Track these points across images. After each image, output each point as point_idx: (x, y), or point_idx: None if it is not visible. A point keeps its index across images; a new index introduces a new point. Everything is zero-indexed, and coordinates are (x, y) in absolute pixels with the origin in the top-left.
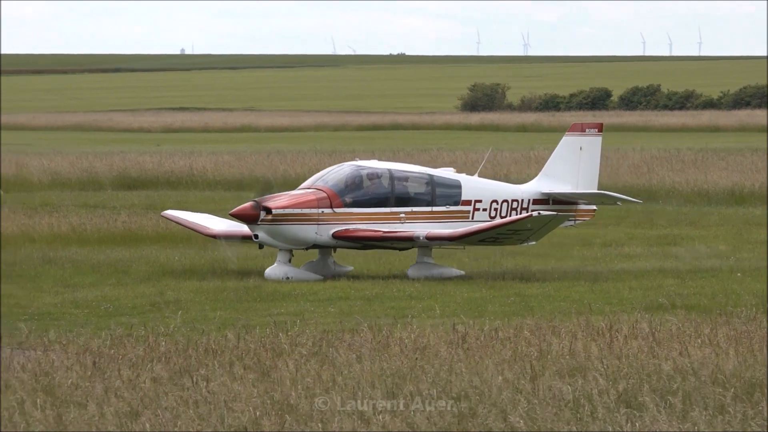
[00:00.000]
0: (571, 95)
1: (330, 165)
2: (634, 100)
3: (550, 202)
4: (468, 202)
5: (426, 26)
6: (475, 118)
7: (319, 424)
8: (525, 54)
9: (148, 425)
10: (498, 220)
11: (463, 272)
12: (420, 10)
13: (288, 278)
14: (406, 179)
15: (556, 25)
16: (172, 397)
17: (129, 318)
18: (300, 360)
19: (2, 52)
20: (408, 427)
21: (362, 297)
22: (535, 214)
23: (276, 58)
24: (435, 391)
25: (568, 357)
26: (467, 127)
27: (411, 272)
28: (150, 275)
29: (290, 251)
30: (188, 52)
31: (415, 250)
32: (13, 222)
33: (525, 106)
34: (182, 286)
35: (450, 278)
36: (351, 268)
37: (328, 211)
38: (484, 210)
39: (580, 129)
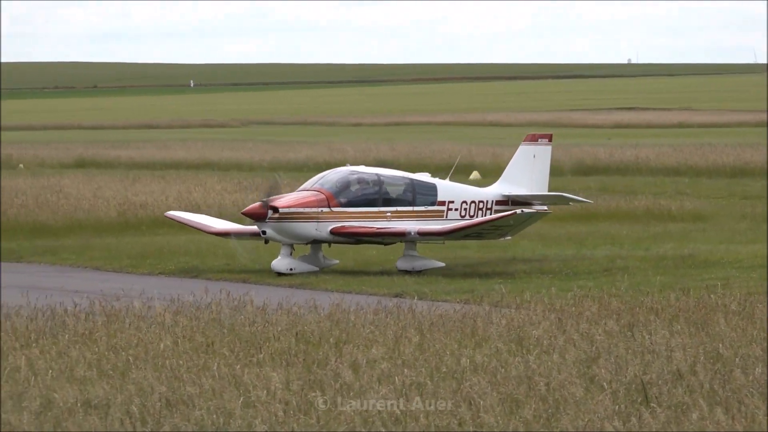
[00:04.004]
0: None
1: (744, 155)
2: None
3: (510, 203)
4: (443, 203)
5: None
6: None
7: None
8: None
9: (603, 371)
10: (484, 217)
11: (443, 264)
12: None
13: (291, 269)
14: (391, 183)
15: None
16: (621, 347)
17: (585, 281)
18: (728, 316)
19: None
20: None
21: None
22: (518, 212)
23: (706, 66)
24: None
25: None
26: None
27: (400, 263)
28: (598, 245)
29: (291, 245)
30: (634, 61)
31: (398, 245)
32: None
33: None
34: (631, 254)
35: (432, 269)
36: (337, 261)
37: (326, 210)
38: (456, 210)
39: (533, 139)
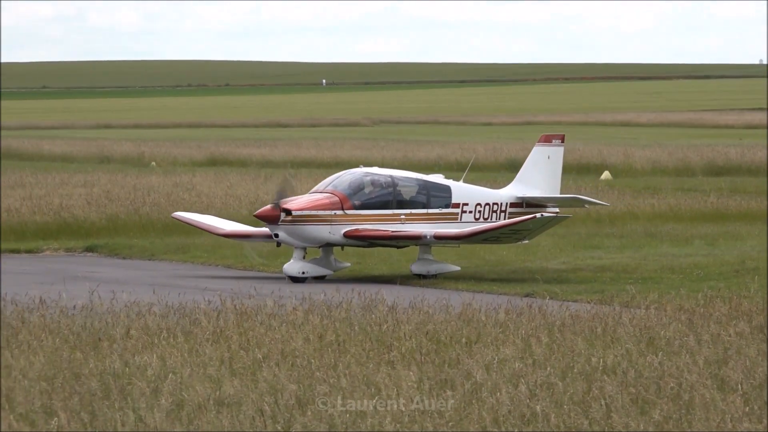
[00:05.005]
0: None
1: None
2: None
3: (524, 205)
4: (457, 205)
5: None
6: None
7: None
8: None
9: (733, 373)
10: (503, 221)
11: (458, 267)
12: None
13: (304, 273)
14: (406, 184)
15: None
16: (753, 348)
17: (716, 282)
18: None
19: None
20: None
21: None
22: (538, 216)
23: None
24: None
25: None
26: None
27: (414, 268)
28: (729, 246)
29: (304, 249)
30: (765, 62)
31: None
32: (621, 202)
33: None
34: (762, 256)
35: (447, 272)
36: (349, 264)
37: (339, 212)
38: (470, 212)
39: (548, 140)
